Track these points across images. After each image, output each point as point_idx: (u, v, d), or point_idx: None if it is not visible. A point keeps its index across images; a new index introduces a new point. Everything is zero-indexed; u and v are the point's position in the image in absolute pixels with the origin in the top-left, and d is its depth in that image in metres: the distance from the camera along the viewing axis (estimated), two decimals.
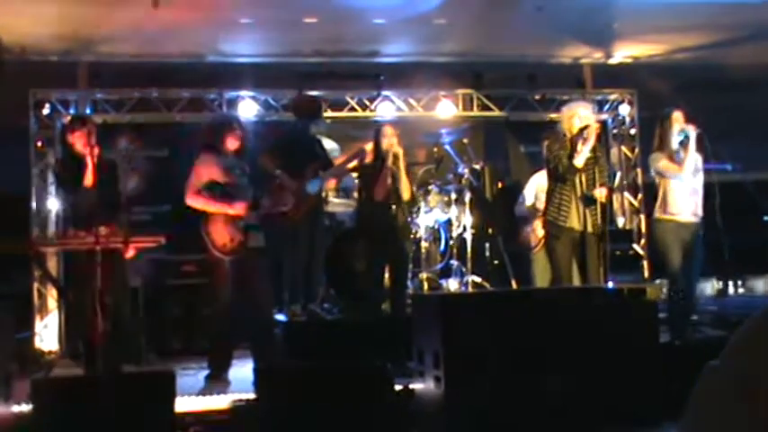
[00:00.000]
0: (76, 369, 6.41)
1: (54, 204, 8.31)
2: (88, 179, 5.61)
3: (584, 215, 6.12)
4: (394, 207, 6.68)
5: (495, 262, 8.64)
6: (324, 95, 8.94)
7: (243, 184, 5.96)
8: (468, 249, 8.03)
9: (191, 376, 6.14)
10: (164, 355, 7.50)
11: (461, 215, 8.14)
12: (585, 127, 6.13)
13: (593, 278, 6.03)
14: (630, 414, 4.57)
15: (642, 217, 9.47)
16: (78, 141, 5.82)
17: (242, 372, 5.88)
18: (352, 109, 9.16)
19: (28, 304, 8.15)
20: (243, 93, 8.89)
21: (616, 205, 9.66)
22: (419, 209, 7.93)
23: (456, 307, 4.81)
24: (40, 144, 8.50)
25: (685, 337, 6.47)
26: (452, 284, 8.01)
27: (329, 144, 7.97)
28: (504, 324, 4.63)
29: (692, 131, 6.43)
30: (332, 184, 7.58)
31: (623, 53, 9.20)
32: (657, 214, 6.62)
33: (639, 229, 9.53)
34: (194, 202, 5.84)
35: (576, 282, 6.21)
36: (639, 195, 9.59)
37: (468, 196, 8.10)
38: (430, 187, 8.08)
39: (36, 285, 8.26)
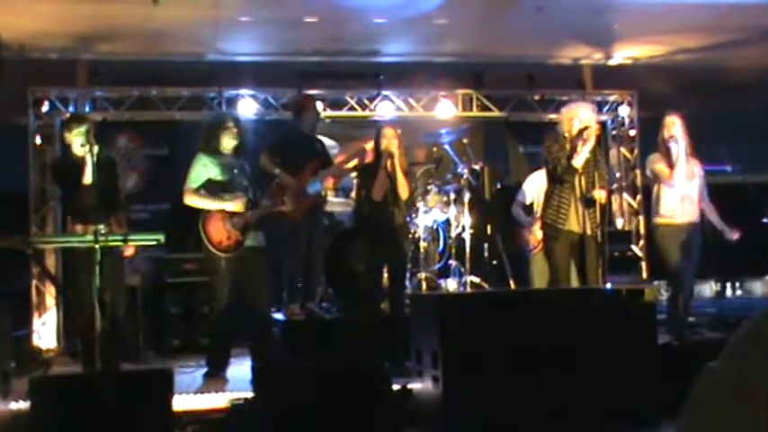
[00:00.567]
0: (75, 367, 6.41)
1: (53, 202, 8.30)
2: (86, 177, 5.61)
3: (583, 217, 6.11)
4: (392, 207, 6.68)
5: (494, 262, 8.64)
6: (324, 95, 8.94)
7: (241, 183, 5.96)
8: (467, 249, 8.03)
9: (189, 374, 6.14)
10: (162, 353, 7.51)
11: (460, 215, 8.13)
12: (585, 128, 6.12)
13: (592, 279, 6.02)
14: (628, 415, 4.57)
15: (641, 218, 9.47)
16: (76, 139, 5.81)
17: (240, 370, 5.88)
18: (352, 108, 9.16)
19: (26, 302, 8.15)
20: (242, 91, 8.89)
21: (615, 207, 9.67)
22: (418, 209, 7.92)
23: (454, 307, 4.81)
24: (39, 141, 8.49)
25: (683, 338, 6.49)
26: (451, 284, 8.00)
27: (327, 142, 7.97)
28: (502, 324, 4.62)
29: (681, 139, 6.47)
30: (331, 183, 7.58)
31: (623, 54, 9.20)
32: (654, 218, 6.72)
33: (638, 230, 9.54)
34: (192, 200, 5.84)
35: (575, 284, 6.21)
36: (638, 197, 9.60)
37: (467, 196, 8.10)
38: (429, 187, 8.08)
39: (34, 283, 8.26)
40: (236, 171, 5.95)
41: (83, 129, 5.81)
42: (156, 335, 7.65)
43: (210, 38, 8.20)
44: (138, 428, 4.18)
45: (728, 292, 11.64)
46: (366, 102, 9.18)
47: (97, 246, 5.04)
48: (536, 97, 9.46)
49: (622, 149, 9.84)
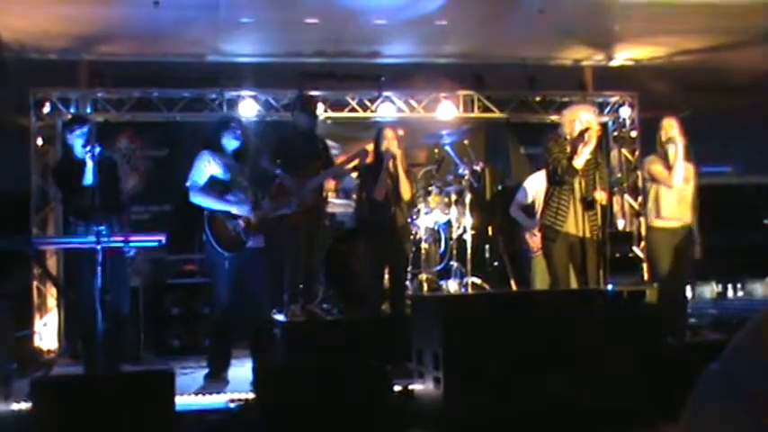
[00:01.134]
0: (76, 368, 6.41)
1: (54, 203, 8.30)
2: (87, 178, 5.61)
3: (583, 219, 6.10)
4: (394, 208, 6.68)
5: (495, 263, 8.63)
6: (325, 96, 8.95)
7: (242, 184, 5.97)
8: (468, 251, 8.02)
9: (190, 375, 6.15)
10: (163, 354, 7.51)
11: (461, 216, 8.13)
12: (586, 129, 6.12)
13: (592, 281, 6.02)
14: (629, 416, 4.56)
15: (642, 220, 9.46)
16: (77, 141, 5.82)
17: (241, 371, 5.89)
18: (353, 110, 9.16)
19: (28, 303, 8.15)
20: (243, 92, 8.90)
21: (616, 208, 9.67)
22: (419, 210, 7.92)
23: (455, 308, 4.81)
24: (40, 143, 8.51)
25: (682, 339, 6.49)
26: (452, 286, 8.00)
27: (328, 143, 7.97)
28: (503, 326, 4.63)
29: (680, 142, 6.48)
30: (332, 184, 7.57)
31: (624, 55, 9.20)
32: (650, 221, 6.75)
33: (639, 231, 9.53)
34: (198, 198, 5.85)
35: (574, 286, 6.19)
36: (639, 198, 9.59)
37: (468, 197, 8.09)
38: (430, 188, 8.07)
39: (36, 284, 8.26)
40: (237, 172, 5.96)
41: (84, 130, 5.82)
42: (157, 336, 7.65)
43: (211, 39, 8.21)
44: (139, 430, 4.18)
45: (730, 293, 11.63)
46: (367, 103, 9.18)
47: (99, 247, 5.04)
48: (537, 98, 9.46)
49: (624, 151, 9.84)
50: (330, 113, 9.02)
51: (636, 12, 7.81)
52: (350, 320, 6.89)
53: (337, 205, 8.14)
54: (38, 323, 8.18)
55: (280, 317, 6.54)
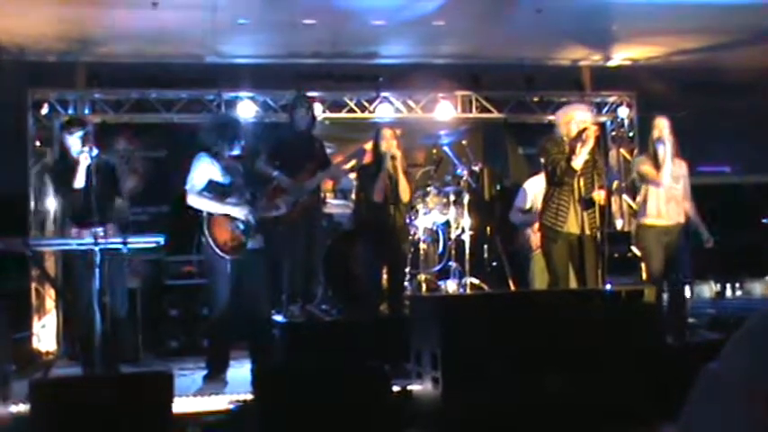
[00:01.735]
0: (74, 369, 6.41)
1: (52, 204, 8.30)
2: (79, 180, 5.61)
3: (582, 219, 6.12)
4: (392, 208, 6.68)
5: (494, 264, 8.64)
6: (323, 97, 8.95)
7: (240, 186, 5.96)
8: (467, 251, 8.02)
9: (188, 377, 6.14)
10: (161, 355, 7.50)
11: (460, 217, 8.13)
12: (584, 129, 6.13)
13: (591, 281, 6.02)
14: (628, 416, 4.56)
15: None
16: (75, 142, 5.82)
17: (240, 372, 5.88)
18: (351, 110, 9.16)
19: (26, 304, 8.14)
20: (241, 94, 8.89)
21: (614, 207, 9.66)
22: (417, 210, 7.92)
23: (454, 309, 4.81)
24: (38, 144, 8.50)
25: (682, 339, 6.50)
26: (450, 286, 8.00)
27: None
28: (502, 326, 4.63)
29: (668, 141, 6.52)
30: (330, 185, 7.57)
31: (622, 55, 9.20)
32: (640, 219, 6.79)
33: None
34: (196, 201, 5.84)
35: (573, 285, 6.20)
36: (638, 198, 9.58)
37: (466, 198, 8.09)
38: (428, 189, 8.07)
39: (34, 285, 8.25)
40: (235, 174, 5.96)
41: (81, 131, 5.82)
42: (155, 337, 7.65)
43: (209, 40, 8.20)
44: (137, 431, 4.17)
45: (728, 292, 11.62)
46: (365, 104, 9.18)
47: (96, 248, 5.04)
48: (535, 98, 9.47)
49: (622, 150, 9.84)
50: (328, 114, 9.01)
51: (633, 11, 7.81)
52: (348, 321, 6.89)
53: (335, 206, 8.13)
54: (36, 325, 8.17)
55: (278, 318, 6.54)
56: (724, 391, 1.52)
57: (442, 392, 4.45)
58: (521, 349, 4.54)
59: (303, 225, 6.64)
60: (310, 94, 8.46)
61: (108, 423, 4.10)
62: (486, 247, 8.61)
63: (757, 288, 11.76)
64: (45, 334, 8.15)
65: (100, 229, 5.26)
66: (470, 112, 9.40)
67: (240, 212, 5.83)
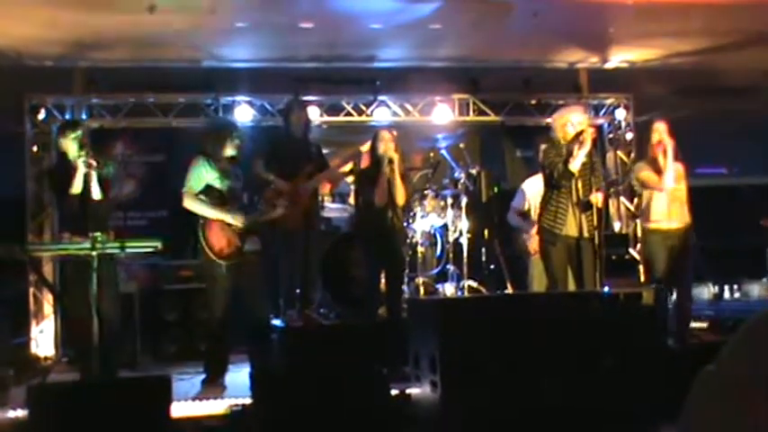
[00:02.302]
0: (73, 374, 6.40)
1: (50, 209, 8.28)
2: (76, 185, 5.60)
3: (580, 221, 6.13)
4: (390, 212, 6.68)
5: (492, 266, 8.63)
6: (320, 100, 8.94)
7: (237, 190, 5.97)
8: (465, 254, 8.03)
9: (187, 381, 6.13)
10: (159, 359, 7.49)
11: (458, 220, 8.13)
12: (581, 132, 6.13)
13: (589, 283, 6.02)
14: (627, 418, 4.56)
15: (638, 222, 9.46)
16: (71, 146, 5.81)
17: (238, 377, 5.88)
18: (349, 114, 9.16)
19: (24, 310, 8.13)
20: (239, 98, 8.88)
21: (612, 210, 9.66)
22: (415, 213, 7.92)
23: (452, 312, 4.81)
24: (35, 149, 8.48)
25: (685, 342, 6.50)
26: (448, 289, 8.00)
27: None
28: (500, 329, 4.62)
29: (668, 144, 6.54)
30: (327, 188, 7.57)
31: (619, 58, 9.20)
32: (643, 223, 6.80)
33: (635, 233, 9.52)
34: (192, 204, 5.84)
35: (572, 288, 6.21)
36: (636, 200, 9.59)
37: (464, 201, 8.10)
38: (426, 192, 8.07)
39: (32, 290, 8.24)
40: (232, 178, 5.96)
41: (77, 134, 5.81)
42: (153, 342, 7.63)
43: (207, 44, 8.20)
44: None
45: (726, 294, 11.62)
46: (362, 107, 9.17)
47: (94, 253, 5.04)
48: (532, 101, 9.46)
49: (619, 153, 9.84)
50: (325, 118, 9.01)
51: (630, 14, 7.81)
52: (347, 325, 6.89)
53: (333, 210, 8.13)
54: (34, 330, 8.15)
55: (277, 322, 6.54)
56: (722, 392, 1.52)
57: (441, 396, 4.45)
58: (519, 352, 4.54)
59: (301, 228, 6.63)
60: (307, 97, 8.46)
61: (106, 428, 4.10)
62: (484, 249, 8.61)
63: (755, 290, 11.77)
64: (43, 339, 8.13)
65: (98, 234, 5.25)
66: (468, 114, 9.40)
67: (236, 219, 5.83)
